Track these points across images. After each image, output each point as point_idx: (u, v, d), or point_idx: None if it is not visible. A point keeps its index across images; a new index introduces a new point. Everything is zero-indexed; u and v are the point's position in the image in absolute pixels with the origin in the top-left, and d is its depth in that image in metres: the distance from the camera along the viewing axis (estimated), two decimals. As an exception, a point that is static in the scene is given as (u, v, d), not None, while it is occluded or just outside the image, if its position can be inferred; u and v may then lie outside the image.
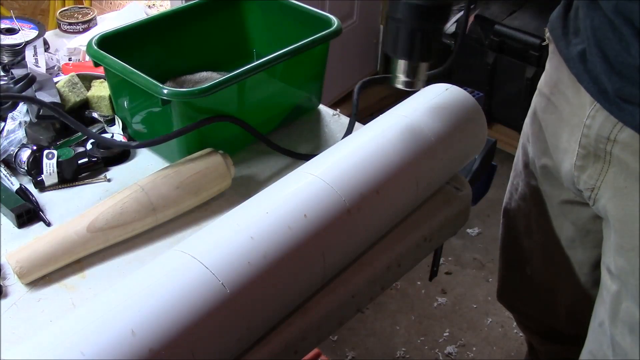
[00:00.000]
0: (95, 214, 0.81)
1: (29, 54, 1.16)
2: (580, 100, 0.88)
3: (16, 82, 0.97)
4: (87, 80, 1.09)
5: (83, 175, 0.95)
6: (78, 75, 1.07)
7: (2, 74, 1.05)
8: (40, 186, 0.92)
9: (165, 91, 0.85)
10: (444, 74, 0.92)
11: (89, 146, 0.97)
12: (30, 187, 0.91)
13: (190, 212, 0.88)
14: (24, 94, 0.96)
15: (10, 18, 1.25)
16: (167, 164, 0.92)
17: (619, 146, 0.83)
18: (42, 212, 0.88)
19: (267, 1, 1.12)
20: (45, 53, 1.20)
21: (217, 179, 0.88)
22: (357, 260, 0.82)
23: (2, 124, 0.97)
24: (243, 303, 0.65)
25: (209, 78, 1.04)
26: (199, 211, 0.89)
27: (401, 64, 0.81)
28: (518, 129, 1.15)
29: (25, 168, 0.92)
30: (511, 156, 1.23)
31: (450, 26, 2.30)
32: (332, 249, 0.74)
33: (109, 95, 1.04)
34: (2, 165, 0.94)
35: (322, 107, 1.12)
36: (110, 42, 0.96)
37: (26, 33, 1.22)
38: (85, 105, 1.06)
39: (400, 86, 0.83)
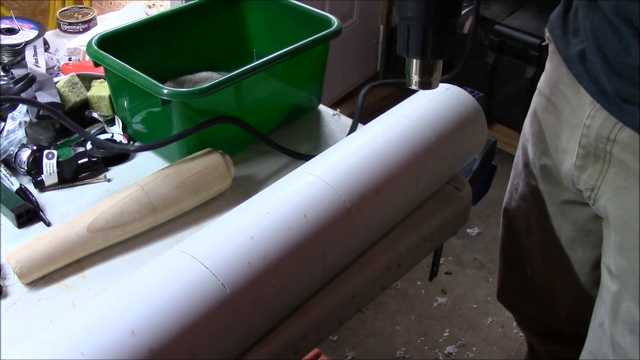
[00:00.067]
0: (95, 214, 0.81)
1: (29, 54, 1.16)
2: (580, 100, 0.88)
3: (16, 82, 0.97)
4: (87, 80, 1.09)
5: (83, 175, 0.95)
6: (78, 75, 1.07)
7: (2, 74, 1.05)
8: (40, 186, 0.92)
9: (165, 91, 0.85)
10: (455, 78, 0.91)
11: (89, 146, 0.97)
12: (30, 187, 0.91)
13: (190, 212, 0.88)
14: (23, 94, 0.97)
15: (10, 18, 1.25)
16: (167, 164, 0.92)
17: (618, 146, 0.83)
18: (42, 212, 0.88)
19: (267, 1, 1.12)
20: (45, 53, 1.20)
21: (217, 179, 0.88)
22: (357, 260, 0.82)
23: (2, 124, 0.97)
24: (243, 303, 0.65)
25: (209, 78, 1.04)
26: (199, 211, 0.89)
27: (415, 64, 0.79)
28: (518, 129, 1.15)
29: (25, 168, 0.92)
30: (511, 156, 1.23)
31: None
32: (332, 249, 0.74)
33: (109, 95, 1.04)
34: (2, 165, 0.94)
35: (322, 107, 1.12)
36: (110, 42, 0.96)
37: (26, 33, 1.22)
38: (85, 105, 1.06)
39: (415, 87, 0.80)
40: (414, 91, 0.90)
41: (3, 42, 1.18)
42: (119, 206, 0.81)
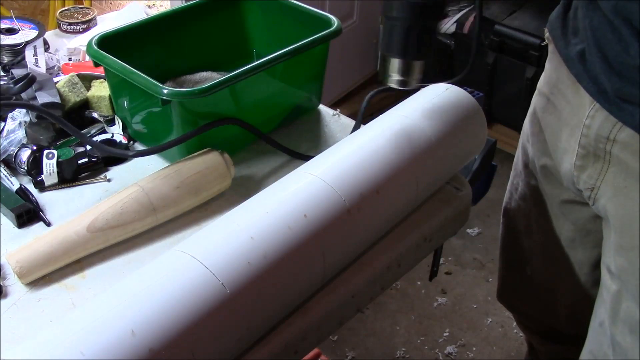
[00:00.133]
0: (95, 214, 0.81)
1: (29, 54, 1.16)
2: (580, 100, 0.88)
3: (16, 82, 0.97)
4: (87, 80, 1.09)
5: (83, 175, 0.95)
6: (78, 75, 1.07)
7: (2, 74, 1.05)
8: (40, 186, 0.92)
9: (165, 91, 0.86)
10: (461, 81, 0.92)
11: (88, 146, 0.97)
12: (30, 187, 0.92)
13: (190, 212, 0.88)
14: (23, 94, 0.97)
15: (10, 18, 1.25)
16: (167, 164, 0.92)
17: (618, 146, 0.83)
18: (42, 212, 0.88)
19: (267, 1, 1.12)
20: (45, 53, 1.20)
21: (217, 179, 0.88)
22: (357, 260, 0.82)
23: (2, 124, 0.97)
24: (243, 303, 0.65)
25: (209, 78, 1.04)
26: (199, 211, 0.89)
27: (395, 63, 0.82)
28: (518, 129, 1.15)
29: (25, 168, 0.92)
30: (511, 156, 1.23)
31: (450, 26, 2.30)
32: (332, 249, 0.74)
33: (109, 95, 1.04)
34: (2, 165, 0.94)
35: (322, 107, 1.12)
36: (110, 42, 0.96)
37: (26, 33, 1.22)
38: (85, 105, 1.06)
39: (394, 85, 0.84)
40: (414, 91, 0.90)
41: (3, 42, 1.18)
42: (119, 206, 0.81)
